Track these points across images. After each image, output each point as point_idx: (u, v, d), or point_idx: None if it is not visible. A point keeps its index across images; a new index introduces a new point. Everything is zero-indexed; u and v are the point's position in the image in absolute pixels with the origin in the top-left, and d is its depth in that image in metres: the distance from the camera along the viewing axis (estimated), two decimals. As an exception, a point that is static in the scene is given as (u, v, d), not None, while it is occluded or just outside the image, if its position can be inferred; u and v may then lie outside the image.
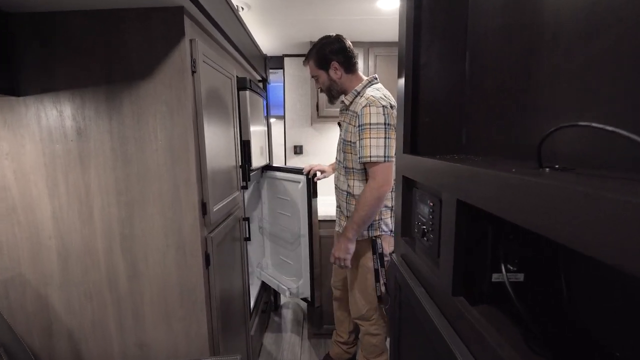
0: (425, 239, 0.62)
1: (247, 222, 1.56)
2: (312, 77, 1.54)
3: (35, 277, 1.06)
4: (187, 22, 0.97)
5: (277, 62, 2.56)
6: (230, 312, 1.33)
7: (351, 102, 1.46)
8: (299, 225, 1.75)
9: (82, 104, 0.99)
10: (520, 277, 0.48)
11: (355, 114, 1.39)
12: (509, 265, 0.48)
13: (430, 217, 0.59)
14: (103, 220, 1.03)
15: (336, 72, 1.46)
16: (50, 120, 0.99)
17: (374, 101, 1.32)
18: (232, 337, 1.36)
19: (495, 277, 0.49)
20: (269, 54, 2.47)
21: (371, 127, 1.31)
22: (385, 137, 1.30)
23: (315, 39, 2.17)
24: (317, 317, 2.09)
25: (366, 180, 1.41)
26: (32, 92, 0.98)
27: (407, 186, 0.74)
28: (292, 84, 2.55)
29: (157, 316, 1.08)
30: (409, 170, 0.70)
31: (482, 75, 0.71)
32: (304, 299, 1.82)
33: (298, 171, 1.77)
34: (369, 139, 1.31)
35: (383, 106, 1.31)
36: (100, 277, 1.06)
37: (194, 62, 1.00)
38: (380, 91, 1.39)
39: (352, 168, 1.46)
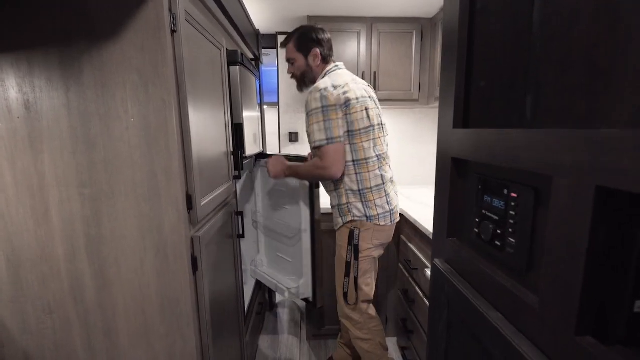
0: (497, 243, 0.45)
1: (240, 217, 1.37)
2: (288, 60, 1.49)
3: (-21, 289, 0.86)
4: (163, -34, 0.76)
5: (270, 40, 2.34)
6: (223, 321, 1.15)
7: None
8: (300, 219, 1.57)
9: (29, 71, 0.77)
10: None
11: None
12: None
13: (512, 213, 0.42)
14: (63, 219, 0.83)
15: (315, 59, 1.42)
16: (-12, 91, 0.78)
17: (314, 87, 1.32)
18: (225, 348, 1.19)
19: (638, 305, 0.32)
20: (261, 31, 2.24)
21: (310, 113, 1.32)
22: (324, 120, 1.29)
23: (314, 13, 1.98)
24: (316, 316, 1.94)
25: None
26: (-37, 54, 0.76)
27: (459, 172, 0.56)
28: (287, 66, 2.33)
29: (133, 333, 0.89)
30: (466, 149, 0.52)
31: (557, 25, 0.53)
32: (305, 300, 1.66)
33: (300, 159, 1.59)
34: (312, 125, 1.32)
35: (320, 89, 1.29)
36: (62, 288, 0.86)
37: (173, 19, 0.80)
38: (330, 78, 1.35)
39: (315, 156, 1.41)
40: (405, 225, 1.74)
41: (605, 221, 0.30)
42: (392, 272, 1.88)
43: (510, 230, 0.42)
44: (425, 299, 1.44)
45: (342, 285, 1.43)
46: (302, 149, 2.44)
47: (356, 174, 1.35)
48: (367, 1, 1.78)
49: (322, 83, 1.31)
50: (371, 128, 1.34)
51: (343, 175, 1.35)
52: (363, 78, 2.00)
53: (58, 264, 0.85)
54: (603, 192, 0.29)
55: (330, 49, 1.44)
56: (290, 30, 2.30)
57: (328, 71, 1.41)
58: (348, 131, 1.32)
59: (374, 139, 1.35)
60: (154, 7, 0.76)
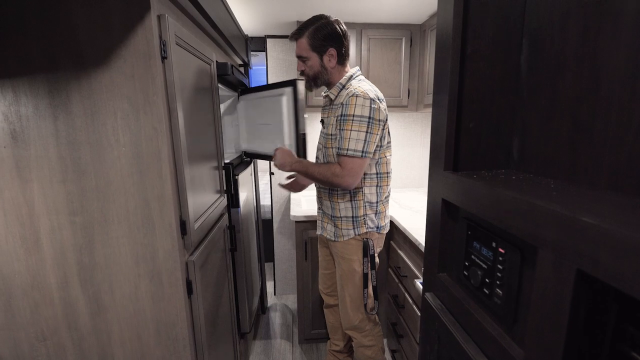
0: (486, 290, 0.47)
1: (232, 230, 1.38)
2: (299, 57, 1.31)
3: (-32, 318, 0.85)
4: (153, -7, 0.75)
5: (258, 43, 2.31)
6: (218, 336, 1.17)
7: (336, 96, 1.32)
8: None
9: (15, 99, 0.75)
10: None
11: (341, 106, 1.25)
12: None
13: (500, 267, 0.44)
14: (54, 247, 0.82)
15: (330, 60, 1.29)
16: (-28, 120, 0.76)
17: (362, 93, 1.20)
18: (220, 362, 1.20)
19: (613, 368, 0.35)
20: (249, 34, 2.21)
21: (354, 119, 1.20)
22: (367, 132, 1.20)
23: (303, 19, 1.96)
24: (307, 320, 1.97)
25: None
26: (-56, 83, 0.74)
27: (449, 213, 0.58)
28: (276, 69, 2.32)
29: (129, 358, 0.89)
30: (455, 195, 0.54)
31: (542, 75, 0.55)
32: None
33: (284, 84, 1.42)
34: (349, 131, 1.20)
35: (371, 99, 1.20)
36: (55, 315, 0.86)
37: (164, 45, 0.79)
38: (366, 83, 1.28)
39: (334, 162, 1.32)
40: (395, 232, 1.77)
41: (585, 298, 0.32)
42: (382, 275, 1.92)
43: (498, 282, 0.45)
44: (414, 307, 1.48)
45: (359, 298, 1.41)
46: (293, 152, 2.43)
47: (377, 186, 1.34)
48: (356, 7, 1.78)
49: (370, 92, 1.21)
50: (390, 143, 1.36)
51: (363, 187, 1.33)
52: (353, 84, 2.01)
53: (50, 291, 0.85)
54: (584, 275, 0.31)
55: (348, 47, 1.31)
56: (278, 32, 2.27)
57: (355, 75, 1.31)
58: (379, 145, 1.30)
59: (391, 154, 1.37)
60: (144, 35, 0.75)
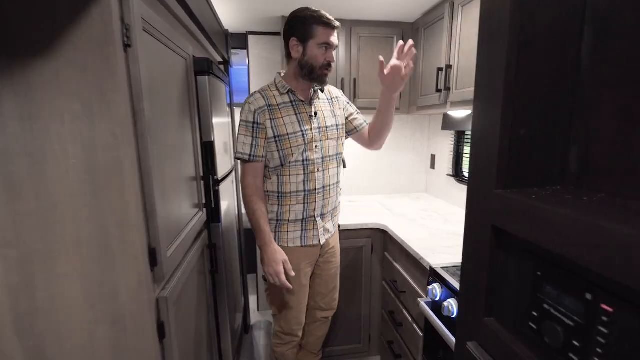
0: (573, 357, 0.35)
1: (213, 249, 1.21)
2: (335, 46, 1.30)
3: None
4: (110, -37, 0.59)
5: (239, 40, 2.14)
6: (197, 376, 0.99)
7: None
8: None
9: None
10: None
11: (333, 97, 1.37)
12: None
13: (604, 330, 0.32)
14: (-21, 289, 0.63)
15: (297, 49, 1.21)
16: None
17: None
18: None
19: None
20: (230, 30, 2.04)
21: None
22: None
23: (287, 13, 1.81)
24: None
25: None
26: None
27: (500, 243, 0.46)
28: (259, 68, 2.16)
29: (84, 423, 0.71)
30: (517, 223, 0.42)
31: (613, 66, 0.44)
32: None
33: None
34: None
35: None
36: (-17, 374, 0.67)
37: (126, 30, 0.62)
38: None
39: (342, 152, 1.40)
40: (389, 242, 1.65)
41: None
42: (375, 289, 1.80)
43: (600, 350, 0.32)
44: (415, 326, 1.36)
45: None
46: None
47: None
48: (345, 3, 1.66)
49: None
50: None
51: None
52: (342, 85, 1.89)
53: (-24, 345, 0.65)
54: None
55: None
56: (261, 29, 2.12)
57: None
58: None
59: None
60: (100, 15, 0.58)
